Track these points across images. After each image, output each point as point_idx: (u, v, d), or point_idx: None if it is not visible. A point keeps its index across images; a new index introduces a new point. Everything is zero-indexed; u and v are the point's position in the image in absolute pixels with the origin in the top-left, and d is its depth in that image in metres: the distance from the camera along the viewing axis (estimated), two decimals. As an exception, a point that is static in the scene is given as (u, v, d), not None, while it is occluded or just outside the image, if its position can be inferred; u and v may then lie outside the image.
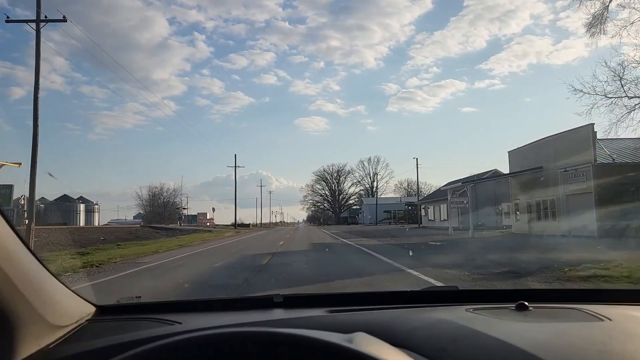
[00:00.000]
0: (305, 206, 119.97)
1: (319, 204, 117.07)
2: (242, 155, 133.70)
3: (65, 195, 65.84)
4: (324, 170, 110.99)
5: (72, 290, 1.38)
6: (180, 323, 1.33)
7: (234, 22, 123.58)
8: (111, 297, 4.85)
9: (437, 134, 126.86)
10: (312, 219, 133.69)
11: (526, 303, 1.33)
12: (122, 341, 1.17)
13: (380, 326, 1.13)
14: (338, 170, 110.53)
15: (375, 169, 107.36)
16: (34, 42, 17.41)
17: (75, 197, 66.58)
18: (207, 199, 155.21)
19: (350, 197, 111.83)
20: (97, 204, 66.11)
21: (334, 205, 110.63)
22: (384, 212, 74.67)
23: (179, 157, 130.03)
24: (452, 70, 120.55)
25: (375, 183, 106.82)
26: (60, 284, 1.30)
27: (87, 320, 1.38)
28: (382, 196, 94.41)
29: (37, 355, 1.08)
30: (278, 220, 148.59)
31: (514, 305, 1.34)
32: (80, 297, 1.43)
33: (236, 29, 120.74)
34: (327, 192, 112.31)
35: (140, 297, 1.91)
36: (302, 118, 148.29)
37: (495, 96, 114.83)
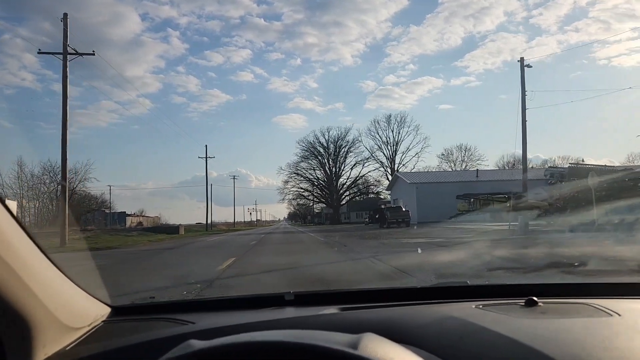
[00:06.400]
0: (286, 197, 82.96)
1: (306, 193, 79.81)
2: (221, 154, 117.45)
3: None
4: (315, 140, 74.19)
5: (87, 292, 1.40)
6: (193, 323, 1.36)
7: (208, 18, 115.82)
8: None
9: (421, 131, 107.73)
10: (294, 217, 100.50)
11: (535, 298, 1.35)
12: (137, 342, 1.19)
13: (390, 323, 1.17)
14: (336, 140, 73.89)
15: (398, 134, 71.55)
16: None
17: None
18: (187, 198, 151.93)
19: (356, 180, 75.72)
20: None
21: (331, 195, 75.21)
22: (463, 199, 40.50)
23: (155, 155, 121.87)
24: (428, 67, 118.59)
25: (397, 157, 71.19)
26: (75, 286, 1.32)
27: (102, 321, 1.42)
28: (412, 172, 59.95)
29: (54, 358, 1.10)
30: (255, 219, 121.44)
31: (523, 300, 1.37)
32: (95, 298, 1.46)
33: (210, 25, 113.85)
34: (318, 174, 75.97)
35: (154, 297, 1.96)
36: (280, 116, 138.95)
37: (471, 93, 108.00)
